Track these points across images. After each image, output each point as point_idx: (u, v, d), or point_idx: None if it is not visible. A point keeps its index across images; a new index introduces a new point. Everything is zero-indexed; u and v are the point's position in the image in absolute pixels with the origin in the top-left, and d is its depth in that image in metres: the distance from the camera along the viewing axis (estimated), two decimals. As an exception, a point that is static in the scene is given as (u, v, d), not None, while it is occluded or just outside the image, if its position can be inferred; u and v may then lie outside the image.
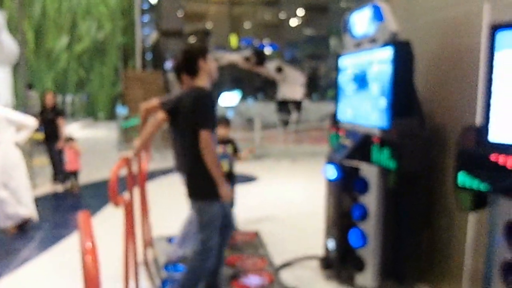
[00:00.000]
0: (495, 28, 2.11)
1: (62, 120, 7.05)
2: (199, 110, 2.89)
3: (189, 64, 3.06)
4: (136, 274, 3.29)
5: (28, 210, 5.03)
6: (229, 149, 4.51)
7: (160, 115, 3.11)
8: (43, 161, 7.96)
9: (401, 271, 3.38)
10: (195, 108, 2.90)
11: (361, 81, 3.54)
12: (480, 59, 2.81)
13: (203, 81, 3.05)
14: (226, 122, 4.62)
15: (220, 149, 4.44)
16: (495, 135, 2.12)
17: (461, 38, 3.08)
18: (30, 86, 12.47)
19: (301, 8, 38.62)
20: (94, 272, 1.37)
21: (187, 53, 3.09)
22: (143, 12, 25.70)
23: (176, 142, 3.43)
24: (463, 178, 2.27)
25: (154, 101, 3.59)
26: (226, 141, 4.53)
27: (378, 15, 3.22)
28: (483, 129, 2.19)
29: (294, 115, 11.52)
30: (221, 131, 4.49)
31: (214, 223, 3.04)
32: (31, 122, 5.21)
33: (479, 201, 2.34)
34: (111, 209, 2.86)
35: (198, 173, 2.95)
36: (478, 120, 2.79)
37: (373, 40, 3.34)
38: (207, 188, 2.96)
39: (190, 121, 2.91)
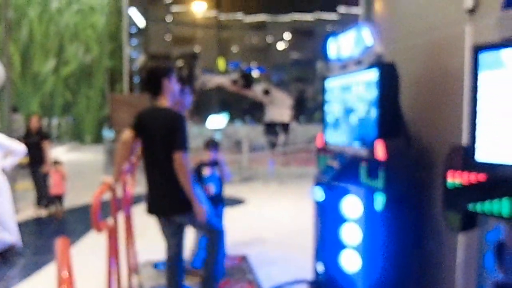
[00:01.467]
0: (478, 50, 2.12)
1: (47, 144, 6.94)
2: (174, 132, 2.94)
3: (152, 82, 3.08)
4: (120, 301, 3.18)
5: (13, 237, 4.88)
6: (217, 171, 4.45)
7: (127, 133, 3.08)
8: (26, 185, 7.79)
9: (391, 295, 3.32)
10: (169, 130, 2.95)
11: (347, 103, 3.54)
12: (464, 80, 2.83)
13: (166, 101, 3.07)
14: (214, 144, 4.59)
15: (207, 171, 4.39)
16: (481, 155, 2.12)
17: (445, 60, 3.12)
18: (15, 109, 12.34)
19: (288, 32, 39.23)
20: (70, 303, 1.30)
21: (152, 73, 3.12)
22: (131, 35, 25.83)
23: (147, 162, 3.29)
24: (451, 198, 2.25)
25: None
26: (215, 163, 4.48)
27: (363, 38, 3.25)
28: (470, 149, 2.19)
29: (281, 137, 11.54)
30: (210, 154, 4.45)
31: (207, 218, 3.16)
32: (21, 148, 5.12)
33: (469, 221, 2.32)
34: (95, 235, 2.78)
35: (176, 188, 2.99)
36: (465, 140, 2.79)
37: (358, 62, 3.36)
38: (186, 199, 3.04)
39: (164, 142, 2.95)
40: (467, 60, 2.76)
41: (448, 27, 3.04)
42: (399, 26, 3.82)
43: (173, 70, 3.16)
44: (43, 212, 6.92)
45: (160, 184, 3.05)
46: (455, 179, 2.27)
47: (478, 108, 2.13)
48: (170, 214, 3.09)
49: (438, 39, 3.18)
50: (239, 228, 5.99)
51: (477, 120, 2.15)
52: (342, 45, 3.61)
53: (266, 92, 11.49)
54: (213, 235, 3.30)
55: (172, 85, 3.08)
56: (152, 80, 3.08)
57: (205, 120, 24.60)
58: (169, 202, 3.07)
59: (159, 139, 2.97)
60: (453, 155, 2.38)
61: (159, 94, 3.06)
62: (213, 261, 3.33)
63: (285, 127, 11.68)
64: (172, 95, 3.11)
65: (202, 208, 3.04)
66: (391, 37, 3.80)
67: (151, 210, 3.15)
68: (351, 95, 3.46)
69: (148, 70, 3.17)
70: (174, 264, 3.34)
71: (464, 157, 2.26)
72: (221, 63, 28.32)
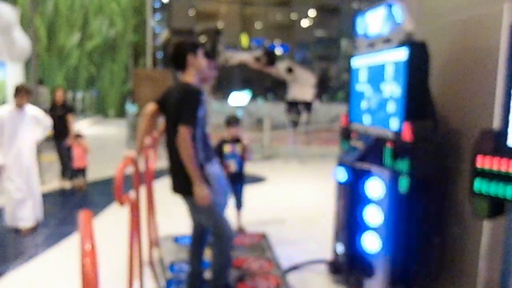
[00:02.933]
0: (517, 29, 2.02)
1: (72, 117, 7.04)
2: (183, 105, 2.85)
3: (178, 58, 3.02)
4: (141, 274, 3.24)
5: (40, 213, 5.07)
6: (238, 148, 4.43)
7: (150, 106, 3.08)
8: (51, 157, 7.95)
9: (411, 279, 3.29)
10: (179, 102, 2.87)
11: (374, 82, 3.45)
12: (499, 62, 2.71)
13: (190, 77, 3.01)
14: (236, 121, 4.55)
15: (228, 148, 4.37)
16: (515, 140, 2.03)
17: (479, 39, 2.98)
18: (41, 82, 12.53)
19: (312, 9, 38.52)
20: (92, 275, 1.31)
21: (177, 48, 3.05)
22: (154, 10, 25.81)
23: (165, 137, 3.33)
24: (479, 184, 2.19)
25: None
26: (236, 140, 4.45)
27: (393, 15, 3.13)
28: (502, 134, 2.11)
29: (304, 116, 11.44)
30: (231, 130, 4.42)
31: (214, 211, 3.03)
32: (48, 121, 5.26)
33: (496, 208, 2.25)
34: (118, 207, 2.81)
35: (184, 168, 2.89)
36: (496, 124, 2.69)
37: (387, 40, 3.25)
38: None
39: (174, 116, 2.88)
40: (504, 40, 2.63)
41: (485, 5, 2.90)
42: (431, 3, 3.66)
43: (200, 45, 3.08)
44: (67, 184, 7.07)
45: (172, 161, 3.02)
46: (484, 164, 2.19)
47: (513, 91, 2.04)
48: (179, 193, 3.06)
49: (473, 18, 3.04)
50: (259, 206, 6.01)
51: (511, 104, 2.06)
52: (371, 22, 3.50)
53: (289, 70, 11.34)
54: (217, 232, 3.08)
55: (198, 61, 3.03)
56: (177, 55, 3.02)
57: (227, 97, 24.60)
58: (178, 181, 3.02)
59: (172, 114, 2.93)
60: (484, 139, 2.29)
61: (184, 70, 3.02)
62: (216, 266, 3.14)
63: (307, 106, 11.55)
64: (198, 70, 3.05)
65: (204, 191, 2.85)
66: (422, 14, 3.66)
67: (171, 187, 3.13)
68: (378, 74, 3.37)
69: (174, 45, 3.10)
70: (195, 241, 3.35)
71: (496, 142, 2.19)
72: (244, 40, 28.07)
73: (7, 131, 4.81)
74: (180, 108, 2.85)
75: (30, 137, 4.99)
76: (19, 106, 4.88)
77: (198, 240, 3.34)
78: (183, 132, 2.79)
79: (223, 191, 3.13)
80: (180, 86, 2.98)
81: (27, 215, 4.85)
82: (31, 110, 5.02)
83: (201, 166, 2.94)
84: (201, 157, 2.96)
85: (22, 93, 4.86)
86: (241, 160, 4.45)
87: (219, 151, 4.39)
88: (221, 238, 3.08)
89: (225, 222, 3.10)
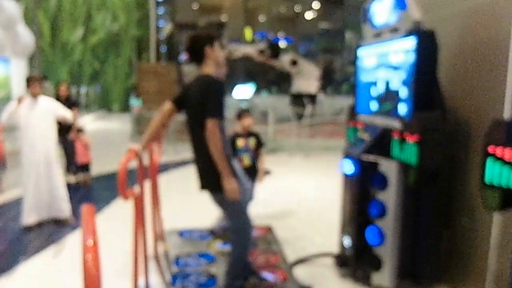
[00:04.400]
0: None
1: (76, 111, 7.01)
2: (207, 97, 2.77)
3: (195, 51, 2.96)
4: (146, 268, 3.21)
5: (66, 210, 5.06)
6: (251, 142, 4.36)
7: (166, 105, 3.03)
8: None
9: (419, 271, 3.25)
10: (203, 95, 2.79)
11: (381, 72, 3.39)
12: (509, 50, 2.64)
13: (209, 69, 2.94)
14: (247, 113, 4.46)
15: (241, 142, 4.30)
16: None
17: (488, 28, 2.91)
18: (45, 77, 12.52)
19: (316, 1, 38.24)
20: (94, 271, 1.28)
21: (194, 40, 2.98)
22: (158, 4, 25.71)
23: (189, 134, 3.30)
24: (490, 175, 2.13)
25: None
26: (249, 134, 4.37)
27: (400, 3, 3.06)
28: (514, 123, 2.05)
29: (308, 109, 11.36)
30: (246, 122, 4.34)
31: (239, 207, 2.97)
32: (70, 116, 5.25)
33: (508, 200, 2.20)
34: (122, 202, 2.78)
35: (212, 164, 2.82)
36: (506, 114, 2.63)
37: (394, 30, 3.18)
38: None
39: (198, 110, 2.80)
40: (515, 28, 2.57)
41: (495, -8, 2.83)
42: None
43: (216, 37, 2.99)
44: (72, 179, 7.06)
45: (198, 158, 2.97)
46: (496, 155, 2.14)
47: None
48: (207, 189, 3.00)
49: (482, 6, 2.97)
50: (264, 199, 5.97)
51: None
52: (378, 11, 3.43)
53: (294, 62, 11.25)
54: (236, 228, 3.06)
55: (215, 53, 2.96)
56: (194, 48, 2.95)
57: (231, 90, 24.55)
58: (206, 177, 2.96)
59: (195, 109, 2.86)
60: (495, 129, 2.23)
61: (202, 63, 2.96)
62: (232, 264, 3.12)
63: (312, 98, 11.46)
64: (216, 62, 2.98)
65: (234, 185, 2.80)
66: (430, 3, 3.58)
67: (198, 184, 3.06)
68: (385, 64, 3.31)
69: (189, 39, 3.02)
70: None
71: (507, 132, 2.13)
72: (248, 33, 27.96)
73: (23, 123, 4.79)
74: (205, 101, 2.77)
75: (46, 129, 4.96)
76: (34, 95, 4.84)
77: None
78: (212, 125, 2.72)
79: (245, 186, 3.07)
80: (201, 79, 2.90)
81: (62, 206, 4.92)
82: (45, 101, 4.98)
83: (229, 160, 2.88)
84: (228, 150, 2.90)
85: (34, 82, 4.82)
86: (254, 154, 4.39)
87: (232, 145, 4.32)
88: (240, 234, 3.04)
89: (246, 219, 3.04)
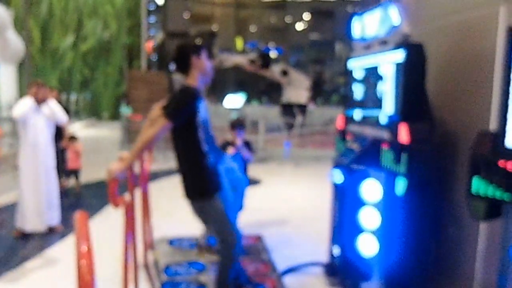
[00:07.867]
0: (514, 31, 2.02)
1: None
2: (172, 100, 2.79)
3: (181, 60, 2.95)
4: (136, 276, 3.20)
5: (56, 218, 4.99)
6: (242, 151, 4.38)
7: (155, 111, 3.02)
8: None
9: (407, 282, 3.28)
10: (170, 99, 2.81)
11: (371, 84, 3.45)
12: (496, 63, 2.72)
13: (193, 81, 2.93)
14: (240, 124, 4.46)
15: (231, 151, 4.32)
16: (512, 141, 2.03)
17: (476, 41, 2.99)
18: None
19: (307, 12, 38.62)
20: (88, 277, 1.29)
21: (180, 50, 2.97)
22: (149, 13, 25.77)
23: (172, 143, 3.29)
24: (477, 185, 2.18)
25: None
26: (244, 144, 4.39)
27: (389, 17, 3.13)
28: (500, 135, 2.10)
29: (298, 119, 11.43)
30: (234, 134, 4.36)
31: (220, 216, 2.94)
32: (63, 116, 5.25)
33: (494, 210, 2.24)
34: (112, 210, 2.78)
35: (189, 172, 2.86)
36: (492, 126, 2.69)
37: (384, 42, 3.25)
38: (200, 186, 2.86)
39: None
40: (500, 42, 2.64)
41: (481, 7, 2.90)
42: (428, 5, 3.67)
43: (203, 46, 2.97)
44: (63, 181, 7.01)
45: (179, 166, 2.98)
46: (481, 176, 2.19)
47: (510, 92, 2.04)
48: (185, 197, 2.99)
49: (470, 20, 3.05)
50: (254, 208, 5.98)
51: (508, 105, 2.06)
52: (367, 24, 3.50)
53: (284, 72, 11.34)
54: (221, 238, 3.00)
55: (202, 62, 2.95)
56: (180, 58, 2.93)
57: (222, 99, 24.57)
58: (184, 186, 2.97)
59: None
60: (481, 141, 2.29)
61: (187, 72, 2.95)
62: (219, 273, 3.08)
63: (302, 108, 11.54)
64: (202, 73, 2.98)
65: (115, 169, 2.65)
66: (419, 16, 3.66)
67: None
68: (375, 76, 3.37)
69: (176, 47, 3.01)
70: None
71: (493, 144, 2.18)
72: (239, 43, 28.09)
73: (25, 127, 4.75)
74: (169, 102, 2.78)
75: (48, 135, 4.95)
76: (40, 101, 4.81)
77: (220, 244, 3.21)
78: (160, 123, 2.68)
79: (229, 198, 3.06)
80: (180, 88, 2.93)
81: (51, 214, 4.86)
82: (48, 107, 4.96)
83: (213, 171, 2.88)
84: (211, 160, 2.89)
85: (34, 87, 4.80)
86: (245, 164, 4.41)
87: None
88: (224, 244, 3.00)
89: (230, 229, 2.98)
